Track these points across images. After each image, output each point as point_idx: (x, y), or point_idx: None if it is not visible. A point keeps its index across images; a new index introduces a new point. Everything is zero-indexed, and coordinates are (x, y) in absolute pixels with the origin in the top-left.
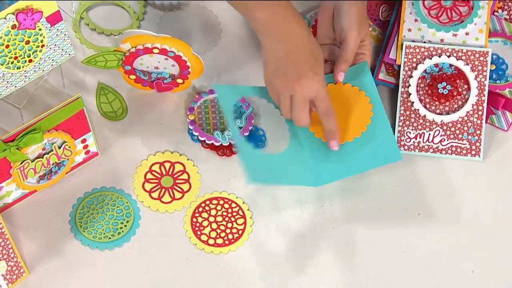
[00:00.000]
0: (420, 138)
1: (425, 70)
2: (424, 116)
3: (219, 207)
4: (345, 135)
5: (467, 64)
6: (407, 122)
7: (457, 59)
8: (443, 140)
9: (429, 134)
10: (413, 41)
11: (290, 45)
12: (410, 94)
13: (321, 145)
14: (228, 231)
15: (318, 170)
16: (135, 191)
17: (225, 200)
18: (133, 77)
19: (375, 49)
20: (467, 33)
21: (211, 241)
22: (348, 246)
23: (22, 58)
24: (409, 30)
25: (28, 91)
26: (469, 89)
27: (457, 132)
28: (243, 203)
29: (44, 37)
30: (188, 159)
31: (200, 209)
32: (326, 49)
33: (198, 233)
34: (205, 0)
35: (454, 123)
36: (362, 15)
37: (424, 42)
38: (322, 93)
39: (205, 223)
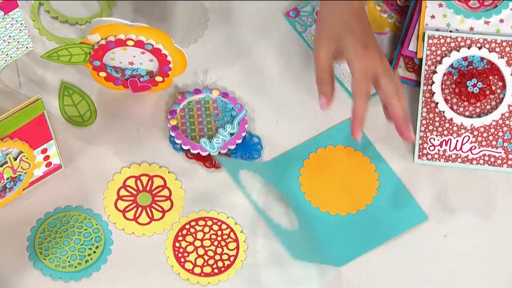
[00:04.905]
0: (446, 145)
1: (452, 65)
2: (451, 119)
3: (206, 229)
4: (355, 203)
5: (502, 57)
6: (431, 127)
7: (490, 51)
8: (473, 148)
9: (457, 140)
10: (437, 30)
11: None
12: (434, 93)
13: (330, 220)
14: (217, 257)
15: (337, 249)
16: (106, 210)
17: (214, 220)
18: (103, 74)
19: (392, 40)
20: (501, 20)
21: (197, 270)
22: (361, 272)
23: None
24: (432, 17)
25: None
26: (504, 87)
27: (490, 138)
28: (236, 224)
29: None
30: (169, 172)
31: (184, 232)
32: None
33: (182, 260)
34: None
35: (487, 128)
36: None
37: (451, 31)
38: (387, 68)
39: (190, 248)
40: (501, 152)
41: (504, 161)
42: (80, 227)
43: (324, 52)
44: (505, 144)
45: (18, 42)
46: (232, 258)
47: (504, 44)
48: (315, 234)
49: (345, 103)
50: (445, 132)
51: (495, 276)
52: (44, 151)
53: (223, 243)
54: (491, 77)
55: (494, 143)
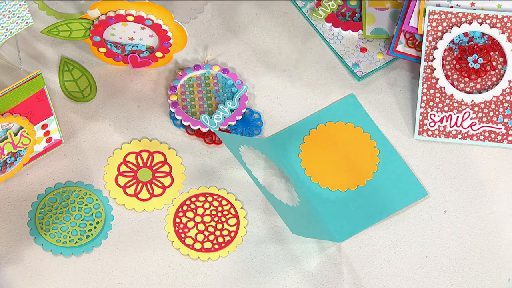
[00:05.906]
0: (446, 121)
1: (453, 41)
2: (451, 95)
3: (207, 205)
4: (355, 179)
5: (503, 32)
6: (431, 103)
7: (491, 27)
8: (474, 124)
9: (457, 116)
10: (438, 5)
11: None
12: (435, 69)
13: (330, 196)
14: (218, 233)
15: (337, 225)
16: (107, 186)
17: (214, 196)
18: (103, 50)
19: (393, 15)
20: None
21: (197, 246)
22: (361, 247)
23: None
24: None
25: None
26: (505, 62)
27: (491, 114)
28: (236, 200)
29: None
30: (169, 148)
31: (185, 208)
32: None
33: (182, 236)
34: None
35: (487, 104)
36: None
37: (452, 7)
38: None
39: (190, 224)
40: (501, 128)
41: (505, 137)
42: (80, 203)
43: None
44: (506, 120)
45: (18, 17)
46: (232, 234)
47: (505, 19)
48: (315, 210)
49: (345, 80)
50: (446, 108)
51: (495, 251)
52: (44, 126)
53: (223, 218)
54: (492, 53)
55: (494, 119)
